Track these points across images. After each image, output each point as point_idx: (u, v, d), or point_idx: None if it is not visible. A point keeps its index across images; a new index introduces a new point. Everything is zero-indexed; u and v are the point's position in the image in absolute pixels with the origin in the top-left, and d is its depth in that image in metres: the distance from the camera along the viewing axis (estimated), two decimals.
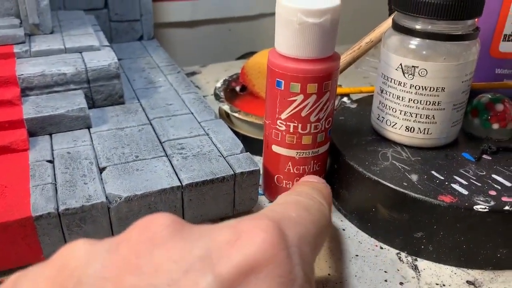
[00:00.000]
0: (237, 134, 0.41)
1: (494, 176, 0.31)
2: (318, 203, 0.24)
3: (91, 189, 0.29)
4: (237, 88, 0.48)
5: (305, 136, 0.31)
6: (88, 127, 0.36)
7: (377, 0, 0.69)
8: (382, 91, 0.34)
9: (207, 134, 0.36)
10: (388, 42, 0.33)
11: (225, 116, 0.43)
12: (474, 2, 0.30)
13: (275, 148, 0.33)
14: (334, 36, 0.30)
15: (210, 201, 0.31)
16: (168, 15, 0.67)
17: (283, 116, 0.31)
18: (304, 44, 0.29)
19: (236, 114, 0.40)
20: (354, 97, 0.44)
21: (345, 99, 0.45)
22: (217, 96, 0.44)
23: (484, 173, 0.31)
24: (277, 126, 0.32)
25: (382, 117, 0.34)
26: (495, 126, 0.35)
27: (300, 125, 0.31)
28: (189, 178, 0.30)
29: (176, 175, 0.30)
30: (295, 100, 0.30)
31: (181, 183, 0.29)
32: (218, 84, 0.46)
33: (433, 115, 0.32)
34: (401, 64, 0.32)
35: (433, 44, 0.31)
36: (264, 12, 0.71)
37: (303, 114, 0.31)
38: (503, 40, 0.40)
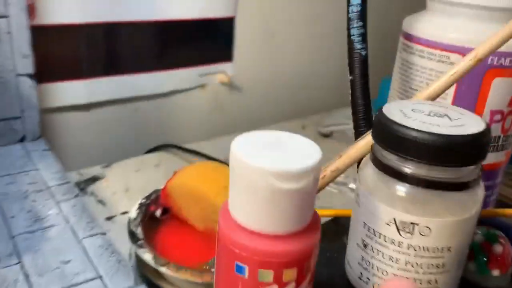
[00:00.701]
0: None
1: None
2: None
3: None
4: (157, 213, 0.37)
5: None
6: None
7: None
8: (365, 246, 0.26)
9: None
10: (367, 181, 0.25)
11: (148, 268, 0.32)
12: (483, 143, 0.23)
13: None
14: (315, 197, 0.21)
15: None
16: (58, 98, 0.54)
17: None
18: (278, 216, 0.20)
19: (164, 270, 0.30)
20: None
21: None
22: (133, 237, 0.33)
23: None
24: None
25: (368, 278, 0.26)
26: (495, 273, 0.28)
27: None
28: None
29: None
30: None
31: None
32: (133, 214, 0.35)
33: (436, 279, 0.25)
34: (394, 219, 0.24)
35: (436, 194, 0.23)
36: (176, 88, 0.62)
37: None
38: None
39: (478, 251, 0.29)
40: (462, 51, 0.31)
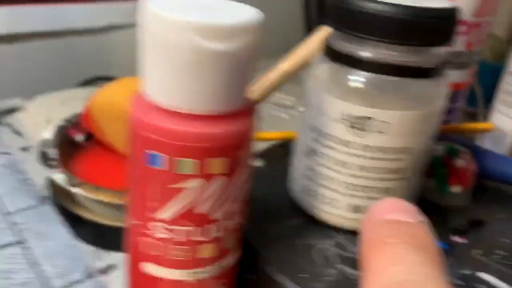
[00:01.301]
0: (81, 220, 0.26)
1: (482, 276, 0.21)
2: (433, 245, 0.13)
3: None
4: (79, 138, 0.32)
5: (204, 246, 0.18)
6: None
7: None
8: (312, 152, 0.22)
9: (22, 243, 0.20)
10: (319, 76, 0.21)
11: (59, 192, 0.27)
12: (450, 19, 0.20)
13: (151, 268, 0.18)
14: (252, 73, 0.17)
15: None
16: None
17: (164, 215, 0.17)
18: (203, 88, 0.15)
19: (78, 191, 0.25)
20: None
21: None
22: (44, 158, 0.27)
23: (469, 272, 0.21)
24: (152, 232, 0.18)
25: (313, 190, 0.22)
26: (455, 189, 0.25)
27: (196, 229, 0.17)
28: None
29: None
30: (186, 188, 0.17)
31: None
32: (46, 135, 0.30)
33: (393, 188, 0.21)
34: (345, 114, 0.20)
35: (396, 82, 0.20)
36: (113, 23, 0.56)
37: (203, 209, 0.17)
38: None
39: (438, 166, 0.26)
40: None
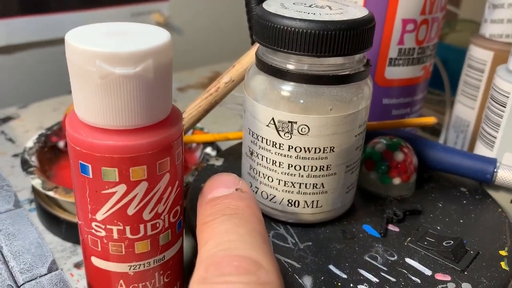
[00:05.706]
0: (59, 219, 0.29)
1: (408, 261, 0.23)
2: (245, 208, 0.17)
3: None
4: (61, 144, 0.35)
5: (139, 243, 0.20)
6: None
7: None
8: (252, 153, 0.24)
9: None
10: (252, 86, 0.23)
11: (39, 195, 0.30)
12: (363, 29, 0.21)
13: (97, 262, 0.21)
14: (167, 90, 0.19)
15: None
16: None
17: (100, 216, 0.19)
18: (115, 107, 0.18)
19: (51, 194, 0.28)
20: (224, 145, 0.34)
21: (209, 149, 0.34)
22: (25, 164, 0.30)
23: (396, 258, 0.23)
24: (93, 231, 0.20)
25: (256, 187, 0.25)
26: (396, 181, 0.27)
27: (128, 228, 0.20)
28: None
29: None
30: (113, 193, 0.19)
31: None
32: (29, 143, 0.33)
33: (322, 183, 0.23)
34: (273, 119, 0.22)
35: (313, 90, 0.21)
36: None
37: (130, 211, 0.19)
38: (388, 65, 0.33)
39: (378, 160, 0.27)
40: None
